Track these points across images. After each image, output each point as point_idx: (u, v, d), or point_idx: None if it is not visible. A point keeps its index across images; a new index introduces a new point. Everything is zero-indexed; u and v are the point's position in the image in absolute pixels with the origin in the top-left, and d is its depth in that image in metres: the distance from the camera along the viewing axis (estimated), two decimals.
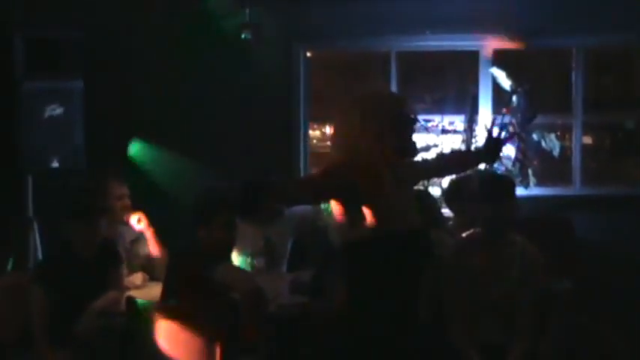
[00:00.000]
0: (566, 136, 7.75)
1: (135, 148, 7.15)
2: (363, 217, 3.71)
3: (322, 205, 5.66)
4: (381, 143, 3.66)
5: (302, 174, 7.40)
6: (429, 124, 7.12)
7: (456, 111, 7.28)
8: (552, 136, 6.97)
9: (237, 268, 5.02)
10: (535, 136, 6.83)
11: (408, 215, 3.77)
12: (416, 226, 3.77)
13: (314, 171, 7.35)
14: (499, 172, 6.59)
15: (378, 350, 3.70)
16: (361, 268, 3.71)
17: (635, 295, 6.54)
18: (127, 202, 5.76)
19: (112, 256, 5.20)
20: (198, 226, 4.62)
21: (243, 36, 6.99)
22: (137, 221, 5.77)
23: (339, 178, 3.71)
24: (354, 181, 3.65)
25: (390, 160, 3.72)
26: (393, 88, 7.34)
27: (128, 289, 5.26)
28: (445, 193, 5.92)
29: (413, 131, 3.84)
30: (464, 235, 4.78)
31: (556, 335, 4.61)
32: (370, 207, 3.67)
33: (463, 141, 6.76)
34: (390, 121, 3.72)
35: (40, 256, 6.39)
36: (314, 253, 5.89)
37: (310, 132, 7.79)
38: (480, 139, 6.83)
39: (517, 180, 6.47)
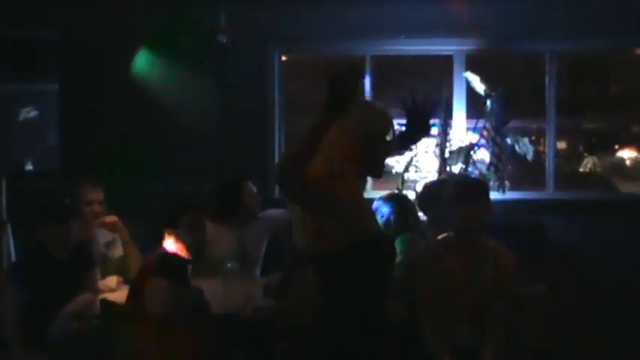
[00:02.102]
0: (541, 140, 7.79)
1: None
2: (334, 226, 3.70)
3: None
4: (355, 160, 3.62)
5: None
6: (404, 128, 7.14)
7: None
8: (526, 140, 6.99)
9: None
10: (509, 141, 6.85)
11: (373, 223, 3.78)
12: (380, 234, 3.77)
13: None
14: (473, 175, 6.63)
15: (351, 353, 3.71)
16: (334, 277, 3.71)
17: (608, 298, 6.60)
18: (97, 208, 5.69)
19: (86, 258, 5.19)
20: (166, 229, 4.67)
21: (218, 39, 6.99)
22: (111, 224, 5.76)
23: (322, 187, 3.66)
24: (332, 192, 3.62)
25: (359, 174, 3.70)
26: (368, 92, 7.36)
27: (102, 291, 5.24)
28: (419, 196, 5.95)
29: (387, 155, 3.84)
30: (438, 238, 4.80)
31: (529, 338, 4.65)
32: (342, 216, 3.65)
33: (437, 145, 6.78)
34: (372, 138, 3.70)
35: (13, 258, 6.37)
36: (287, 256, 5.88)
37: None
38: (453, 143, 6.87)
39: (492, 184, 6.50)
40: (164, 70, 7.19)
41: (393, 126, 3.89)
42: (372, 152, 3.77)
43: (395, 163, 6.95)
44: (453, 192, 4.67)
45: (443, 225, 4.90)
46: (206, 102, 7.22)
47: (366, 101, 4.20)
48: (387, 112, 4.06)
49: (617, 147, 8.60)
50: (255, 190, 5.91)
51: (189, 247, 4.70)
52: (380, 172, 3.93)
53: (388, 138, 3.86)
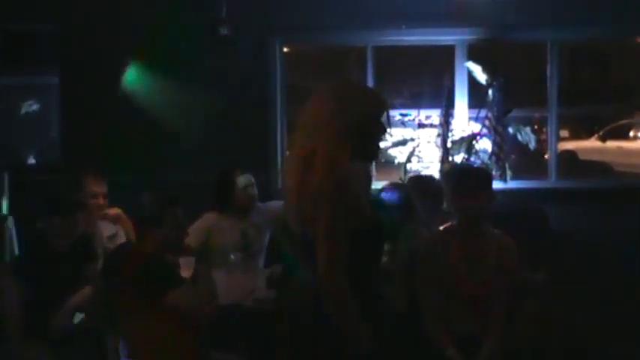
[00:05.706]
0: (543, 129, 7.79)
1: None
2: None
3: None
4: (349, 140, 3.54)
5: (279, 170, 7.38)
6: (406, 119, 7.15)
7: (433, 105, 7.31)
8: (528, 129, 7.00)
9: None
10: (511, 130, 6.86)
11: (369, 212, 3.73)
12: (375, 221, 3.73)
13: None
14: (475, 165, 6.62)
15: (352, 342, 3.70)
16: None
17: (610, 286, 6.60)
18: (101, 201, 5.69)
19: (89, 251, 5.19)
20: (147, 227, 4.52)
21: (220, 31, 6.98)
22: (114, 217, 5.76)
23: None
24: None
25: (352, 160, 3.62)
26: (370, 83, 7.34)
27: None
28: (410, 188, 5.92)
29: (382, 137, 3.74)
30: (440, 227, 4.81)
31: (530, 325, 4.65)
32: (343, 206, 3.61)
33: (439, 135, 6.78)
34: (365, 118, 3.62)
35: (16, 251, 6.38)
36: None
37: None
38: (455, 133, 6.87)
39: (494, 173, 6.49)
40: (165, 62, 7.18)
41: (387, 106, 3.77)
42: (371, 137, 3.69)
43: (397, 153, 6.95)
44: (455, 183, 4.68)
45: (446, 214, 4.91)
46: (208, 93, 7.19)
47: (349, 82, 4.05)
48: (378, 91, 4.02)
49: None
50: (250, 181, 5.84)
51: (171, 242, 4.55)
52: (377, 154, 3.87)
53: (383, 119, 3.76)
